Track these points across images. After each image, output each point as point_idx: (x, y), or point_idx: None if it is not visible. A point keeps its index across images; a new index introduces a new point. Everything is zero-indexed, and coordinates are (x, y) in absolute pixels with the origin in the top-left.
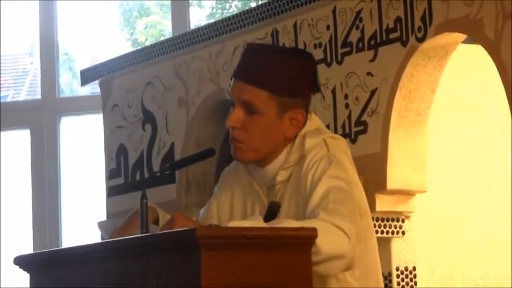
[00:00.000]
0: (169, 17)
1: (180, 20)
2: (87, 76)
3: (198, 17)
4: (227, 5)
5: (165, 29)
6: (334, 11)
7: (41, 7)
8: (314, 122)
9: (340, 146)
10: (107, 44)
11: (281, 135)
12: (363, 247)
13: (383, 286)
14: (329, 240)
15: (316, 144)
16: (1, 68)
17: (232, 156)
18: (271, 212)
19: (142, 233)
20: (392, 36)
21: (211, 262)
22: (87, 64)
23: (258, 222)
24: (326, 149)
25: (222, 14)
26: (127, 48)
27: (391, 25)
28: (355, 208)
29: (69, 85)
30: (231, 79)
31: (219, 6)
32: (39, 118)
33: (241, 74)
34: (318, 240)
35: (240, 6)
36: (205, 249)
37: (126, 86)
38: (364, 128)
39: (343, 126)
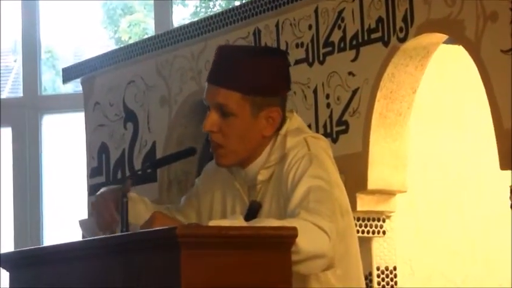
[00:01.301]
0: (153, 15)
1: (163, 19)
2: (69, 74)
3: (182, 15)
4: (211, 3)
5: (148, 27)
6: (316, 11)
7: (23, 4)
8: (295, 121)
9: (321, 145)
10: (90, 42)
11: (258, 135)
12: (345, 246)
13: (364, 286)
14: (309, 240)
15: (297, 143)
16: None
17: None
18: (252, 212)
19: (122, 232)
20: (374, 36)
21: (192, 261)
22: (70, 62)
23: (238, 221)
24: (307, 148)
25: (206, 12)
26: (110, 46)
27: (373, 25)
28: (336, 207)
29: (52, 83)
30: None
31: (203, 4)
32: (21, 116)
33: (213, 78)
34: (298, 240)
35: (224, 5)
36: (185, 248)
37: (108, 85)
38: (345, 128)
39: (324, 126)
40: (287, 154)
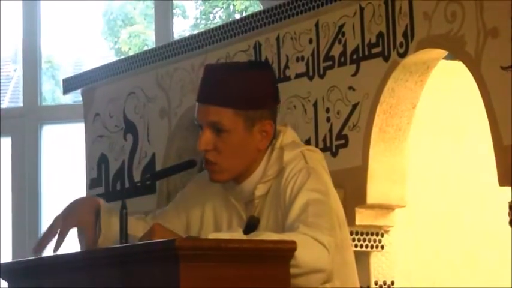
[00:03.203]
0: (153, 26)
1: (163, 30)
2: (69, 85)
3: (182, 27)
4: (211, 15)
5: (148, 38)
6: (317, 25)
7: (24, 14)
8: (289, 134)
9: (317, 159)
10: (90, 52)
11: (253, 149)
12: (342, 258)
13: None
14: (309, 254)
15: (295, 157)
16: None
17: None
18: (251, 227)
19: (121, 243)
20: (374, 51)
21: (190, 273)
22: (70, 72)
23: (237, 234)
24: (304, 161)
25: (206, 24)
26: (110, 57)
27: (373, 40)
28: (334, 220)
29: (52, 93)
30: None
31: (203, 17)
32: (21, 126)
33: (204, 97)
34: (298, 254)
35: (224, 17)
36: (184, 261)
37: (108, 96)
38: (345, 142)
39: (324, 140)
40: (285, 168)
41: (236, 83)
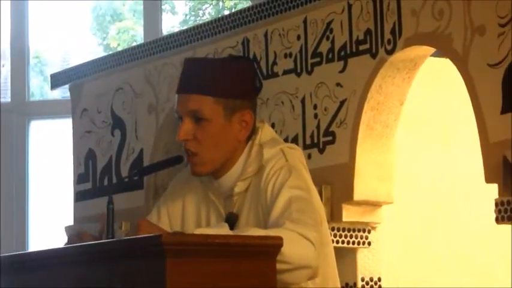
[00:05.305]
0: (142, 22)
1: (152, 26)
2: (57, 80)
3: (171, 23)
4: (200, 12)
5: (137, 34)
6: (305, 21)
7: (12, 9)
8: (268, 131)
9: (297, 156)
10: (78, 48)
11: (233, 140)
12: (323, 254)
13: None
14: (296, 250)
15: (275, 154)
16: None
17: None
18: (229, 223)
19: (108, 239)
20: (362, 47)
21: (177, 269)
22: (58, 68)
23: (224, 230)
24: (284, 159)
25: (195, 21)
26: (99, 53)
27: (361, 37)
28: (317, 217)
29: (40, 89)
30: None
31: (192, 13)
32: (9, 121)
33: (183, 87)
34: (284, 250)
35: (213, 13)
36: (170, 256)
37: (96, 91)
38: (332, 139)
39: (311, 136)
40: (264, 166)
41: (216, 72)
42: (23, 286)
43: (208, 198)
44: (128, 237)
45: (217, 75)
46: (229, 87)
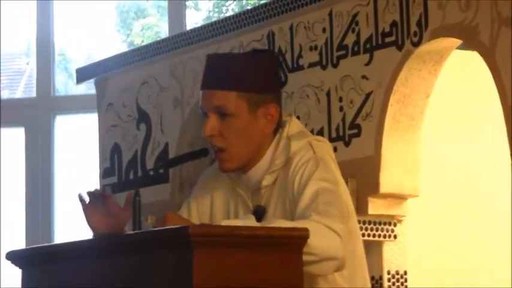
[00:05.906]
0: (166, 19)
1: (176, 23)
2: (82, 75)
3: (195, 19)
4: (224, 8)
5: (161, 31)
6: (330, 14)
7: (38, 7)
8: (295, 124)
9: (325, 149)
10: (103, 45)
11: (259, 134)
12: (352, 248)
13: (370, 286)
14: (322, 242)
15: (302, 146)
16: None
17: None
18: (257, 216)
19: (134, 230)
20: (387, 40)
21: (204, 260)
22: (82, 65)
23: (250, 221)
24: (312, 151)
25: (219, 17)
26: (123, 50)
27: (387, 29)
28: (344, 209)
29: (65, 85)
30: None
31: (216, 9)
32: (34, 116)
33: (207, 83)
34: (311, 241)
35: (236, 10)
36: (197, 247)
37: (122, 86)
38: (358, 132)
39: (337, 129)
40: (292, 158)
41: (239, 67)
42: (49, 278)
43: (236, 193)
44: (155, 229)
45: (240, 70)
46: (253, 81)
